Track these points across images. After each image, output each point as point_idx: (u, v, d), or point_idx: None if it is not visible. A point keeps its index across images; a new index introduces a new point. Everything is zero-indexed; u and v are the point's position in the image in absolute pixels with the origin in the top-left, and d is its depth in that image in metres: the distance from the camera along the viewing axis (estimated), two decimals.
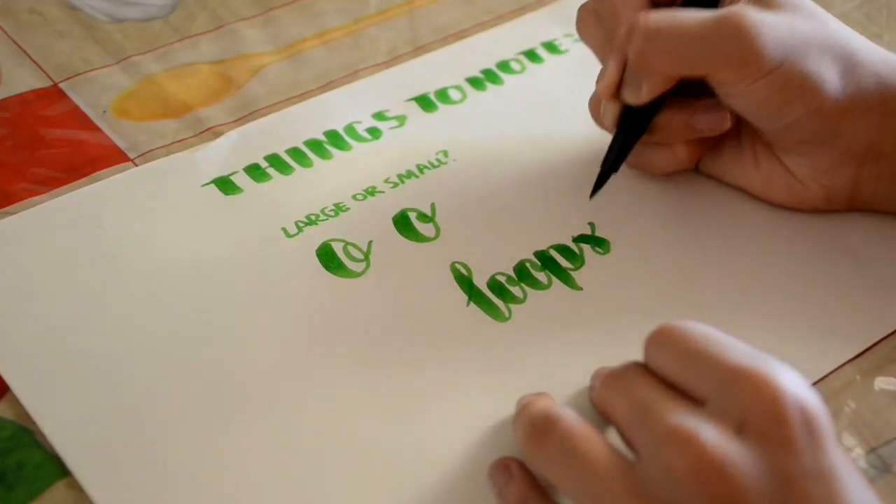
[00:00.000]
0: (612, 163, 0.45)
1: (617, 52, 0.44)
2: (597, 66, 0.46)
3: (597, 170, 0.46)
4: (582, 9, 0.47)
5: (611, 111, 0.45)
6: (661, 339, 0.34)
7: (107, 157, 0.50)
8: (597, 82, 0.46)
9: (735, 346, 0.33)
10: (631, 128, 0.45)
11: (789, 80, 0.42)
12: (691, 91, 0.44)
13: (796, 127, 0.44)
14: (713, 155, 0.48)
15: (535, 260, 0.46)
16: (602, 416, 0.35)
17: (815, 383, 0.41)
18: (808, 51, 0.42)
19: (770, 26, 0.41)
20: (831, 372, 0.42)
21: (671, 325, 0.34)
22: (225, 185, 0.48)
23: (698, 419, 0.31)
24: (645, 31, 0.42)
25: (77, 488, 0.37)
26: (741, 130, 0.47)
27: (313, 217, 0.47)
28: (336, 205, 0.48)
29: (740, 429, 0.31)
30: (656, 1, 0.44)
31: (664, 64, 0.42)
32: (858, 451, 0.39)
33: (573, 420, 0.33)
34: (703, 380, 0.32)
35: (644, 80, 0.43)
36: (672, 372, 0.33)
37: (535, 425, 0.34)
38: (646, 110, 0.44)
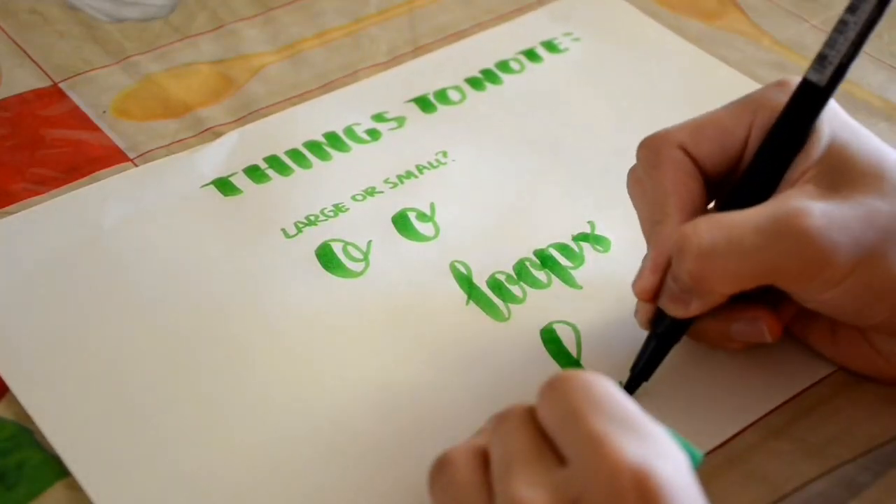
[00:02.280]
0: (644, 370, 0.40)
1: (658, 256, 0.39)
2: (597, 67, 0.46)
3: (596, 170, 0.45)
4: (631, 171, 0.41)
5: (644, 312, 0.40)
6: (551, 390, 0.32)
7: (107, 157, 0.50)
8: (634, 280, 0.40)
9: (616, 411, 0.31)
10: (666, 333, 0.40)
11: (869, 283, 0.36)
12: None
13: (882, 325, 0.38)
14: (797, 327, 0.42)
15: (535, 259, 0.46)
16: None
17: (811, 386, 0.41)
18: (890, 244, 0.36)
19: (839, 225, 0.35)
20: (830, 374, 0.42)
21: (565, 377, 0.32)
22: (224, 186, 0.48)
23: (541, 491, 0.30)
24: (699, 250, 0.36)
25: (77, 488, 0.37)
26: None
27: (312, 218, 0.47)
28: (335, 205, 0.48)
29: (575, 502, 0.30)
30: (712, 177, 0.39)
31: (723, 285, 0.36)
32: (854, 454, 0.39)
33: (463, 468, 0.32)
34: (569, 441, 0.31)
35: (695, 297, 0.38)
36: (550, 425, 0.32)
37: (433, 466, 0.34)
38: (684, 319, 0.39)
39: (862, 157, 0.37)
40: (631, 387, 0.40)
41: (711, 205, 0.40)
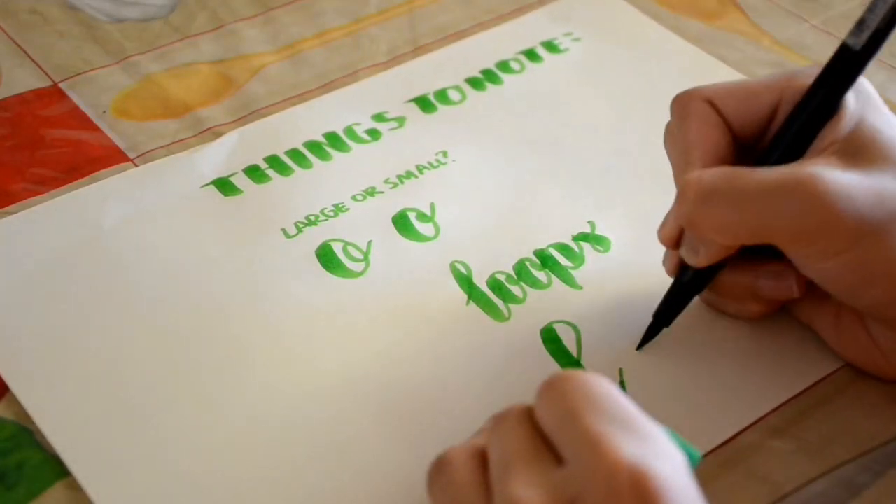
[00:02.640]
0: (664, 316, 0.41)
1: (676, 201, 0.39)
2: (597, 67, 0.46)
3: (596, 170, 0.45)
4: (667, 126, 0.42)
5: (671, 259, 0.41)
6: (549, 390, 0.32)
7: (107, 157, 0.50)
8: (659, 228, 0.41)
9: (614, 411, 0.31)
10: (690, 282, 0.41)
11: (868, 261, 0.36)
12: (760, 249, 0.38)
13: (879, 309, 0.38)
14: (801, 306, 0.42)
15: (535, 259, 0.46)
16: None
17: (810, 386, 0.41)
18: None
19: (852, 193, 0.35)
20: (829, 374, 0.42)
21: (563, 377, 0.32)
22: (224, 186, 0.48)
23: (539, 490, 0.30)
24: (697, 193, 0.37)
25: (77, 488, 0.37)
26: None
27: (313, 218, 0.47)
28: (335, 205, 0.48)
29: (572, 502, 0.30)
30: (739, 139, 0.40)
31: (717, 233, 0.37)
32: (854, 454, 0.39)
33: (462, 468, 0.33)
34: (567, 441, 0.31)
35: (700, 245, 0.38)
36: (548, 425, 0.32)
37: (432, 467, 0.34)
38: (707, 268, 0.40)
39: (886, 139, 0.37)
40: (652, 331, 0.41)
41: None
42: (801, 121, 0.38)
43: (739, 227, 0.37)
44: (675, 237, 0.40)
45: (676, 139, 0.41)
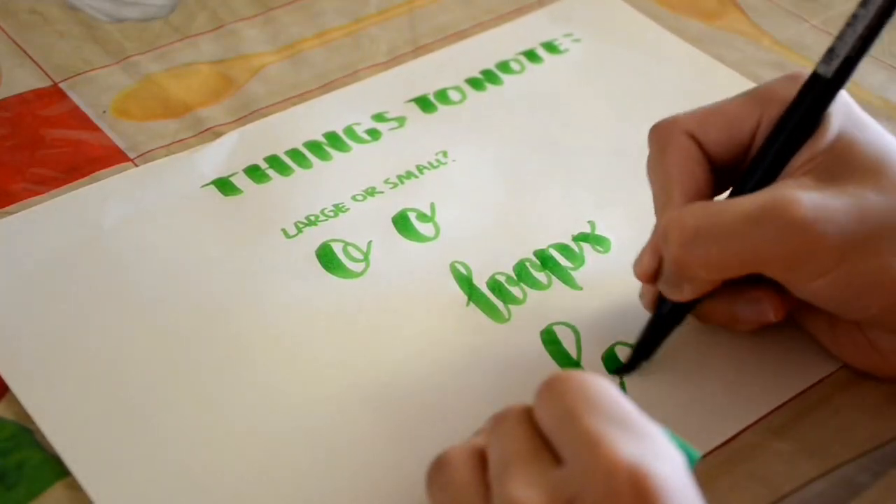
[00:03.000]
0: (645, 350, 0.41)
1: (656, 239, 0.39)
2: (597, 67, 0.46)
3: (596, 170, 0.45)
4: (648, 155, 0.41)
5: (647, 294, 0.41)
6: (548, 390, 0.32)
7: (107, 157, 0.50)
8: (635, 264, 0.40)
9: (613, 411, 0.31)
10: (669, 315, 0.40)
11: (858, 275, 0.36)
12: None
13: (873, 318, 0.39)
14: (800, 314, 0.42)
15: (535, 259, 0.46)
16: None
17: (811, 387, 0.41)
18: (881, 240, 0.36)
19: (830, 213, 0.35)
20: (829, 374, 0.42)
21: (562, 377, 0.32)
22: (224, 186, 0.48)
23: (537, 490, 0.30)
24: (681, 234, 0.37)
25: (77, 488, 0.37)
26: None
27: (313, 218, 0.47)
28: (335, 205, 0.48)
29: (571, 503, 0.30)
30: (719, 164, 0.39)
31: (706, 271, 0.37)
32: (854, 454, 0.39)
33: (461, 468, 0.33)
34: (566, 441, 0.31)
35: (685, 282, 0.38)
36: (547, 425, 0.32)
37: (430, 466, 0.34)
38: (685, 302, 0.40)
39: (865, 152, 0.37)
40: (631, 364, 0.41)
41: (726, 195, 0.40)
42: (775, 146, 0.38)
43: (727, 262, 0.37)
44: (652, 273, 0.39)
45: (657, 171, 0.40)
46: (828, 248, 0.36)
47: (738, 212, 0.36)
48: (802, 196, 0.36)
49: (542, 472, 0.31)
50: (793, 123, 0.38)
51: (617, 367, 0.41)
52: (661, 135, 0.40)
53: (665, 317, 0.40)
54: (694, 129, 0.39)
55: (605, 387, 0.32)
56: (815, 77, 0.38)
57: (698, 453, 0.33)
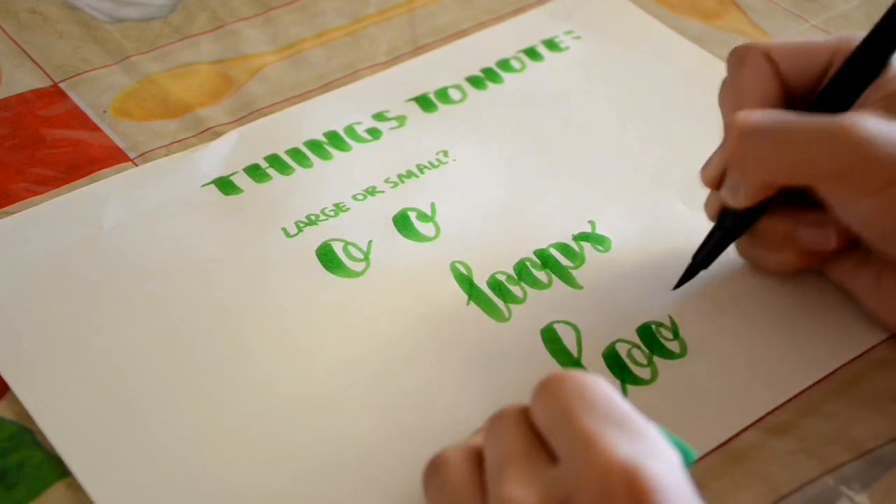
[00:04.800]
0: (703, 258, 0.43)
1: (723, 143, 0.41)
2: (598, 65, 0.46)
3: (597, 169, 0.45)
4: (723, 82, 0.43)
5: (712, 202, 0.42)
6: (545, 389, 0.32)
7: (107, 157, 0.50)
8: (703, 167, 0.42)
9: (608, 410, 0.31)
10: (730, 226, 0.42)
11: None
12: (801, 198, 0.40)
13: None
14: (835, 264, 0.43)
15: (536, 259, 0.46)
16: None
17: (814, 384, 0.41)
18: None
19: (887, 138, 0.37)
20: (832, 372, 0.42)
21: (558, 377, 0.32)
22: (225, 185, 0.48)
23: (532, 490, 0.30)
24: (742, 129, 0.38)
25: (77, 488, 0.37)
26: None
27: (313, 217, 0.47)
28: (336, 205, 0.48)
29: (566, 503, 0.30)
30: (790, 94, 0.41)
31: (758, 169, 0.39)
32: (858, 452, 0.39)
33: (457, 468, 0.33)
34: (561, 440, 0.31)
35: (741, 184, 0.40)
36: (543, 425, 0.32)
37: (427, 466, 0.34)
38: (746, 212, 0.41)
39: None
40: (690, 273, 0.43)
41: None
42: (848, 75, 0.40)
43: (778, 164, 0.38)
44: (716, 177, 0.41)
45: (730, 88, 0.42)
46: (880, 167, 0.37)
47: (801, 121, 0.38)
48: (868, 121, 0.37)
49: (537, 471, 0.31)
50: (869, 52, 0.39)
51: (678, 281, 0.43)
52: (738, 55, 0.42)
53: (726, 228, 0.42)
54: (771, 51, 0.41)
55: (601, 386, 0.32)
56: (894, 8, 0.38)
57: (695, 453, 0.32)
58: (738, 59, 0.42)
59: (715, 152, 0.42)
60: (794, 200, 0.40)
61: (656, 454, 0.30)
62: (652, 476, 0.29)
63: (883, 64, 0.39)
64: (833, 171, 0.37)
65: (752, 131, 0.38)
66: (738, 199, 0.40)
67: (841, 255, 0.43)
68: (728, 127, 0.40)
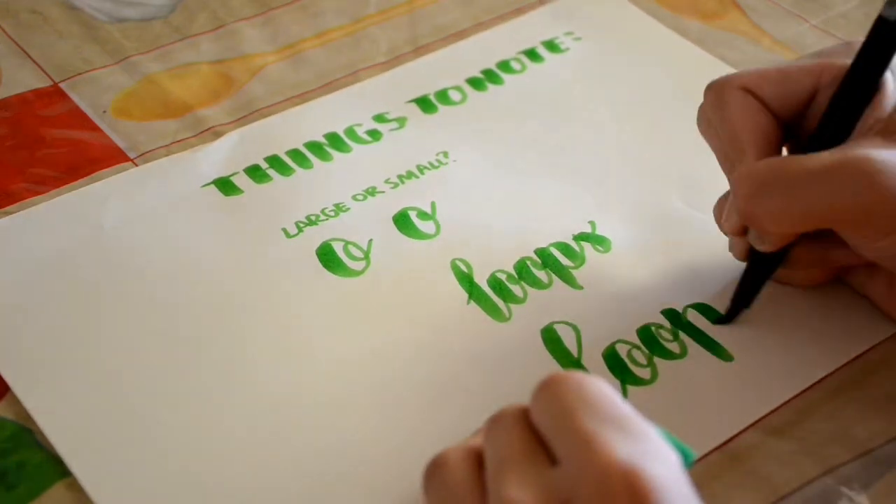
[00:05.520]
0: (744, 298, 0.42)
1: (732, 195, 0.40)
2: (598, 66, 0.46)
3: (597, 170, 0.45)
4: (701, 110, 0.43)
5: (738, 245, 0.42)
6: (545, 389, 0.32)
7: (107, 157, 0.50)
8: (723, 219, 0.42)
9: (608, 411, 0.31)
10: (763, 264, 0.42)
11: None
12: None
13: None
14: (855, 275, 0.44)
15: (536, 258, 0.46)
16: None
17: (814, 384, 0.41)
18: None
19: (894, 170, 0.36)
20: (832, 373, 0.42)
21: (558, 378, 0.32)
22: (225, 185, 0.48)
23: (532, 491, 0.30)
24: (748, 187, 0.38)
25: (77, 488, 0.37)
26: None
27: (313, 217, 0.47)
28: (336, 205, 0.48)
29: (566, 503, 0.30)
30: (782, 119, 0.41)
31: (772, 224, 0.38)
32: (858, 452, 0.39)
33: (457, 469, 0.33)
34: (561, 441, 0.31)
35: (763, 234, 0.40)
36: (542, 425, 0.32)
37: (427, 467, 0.34)
38: (778, 251, 0.41)
39: None
40: (731, 314, 0.43)
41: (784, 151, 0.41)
42: (845, 101, 0.38)
43: (794, 216, 0.38)
44: (740, 228, 0.41)
45: (717, 129, 0.41)
46: (894, 206, 0.36)
47: (808, 166, 0.37)
48: (874, 153, 0.36)
49: (537, 472, 0.31)
50: (861, 73, 0.38)
51: (718, 318, 0.43)
52: (716, 93, 0.41)
53: (759, 265, 0.42)
54: (749, 84, 0.40)
55: (601, 387, 0.32)
56: (880, 21, 0.37)
57: (694, 454, 0.32)
58: (716, 98, 0.41)
59: (730, 202, 0.41)
60: None
61: (656, 455, 0.30)
62: (652, 477, 0.29)
63: (876, 83, 0.38)
64: (850, 212, 0.37)
65: (759, 187, 0.38)
66: (765, 247, 0.40)
67: (872, 275, 0.43)
68: (734, 183, 0.39)
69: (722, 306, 0.43)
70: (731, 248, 0.43)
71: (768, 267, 0.42)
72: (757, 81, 0.40)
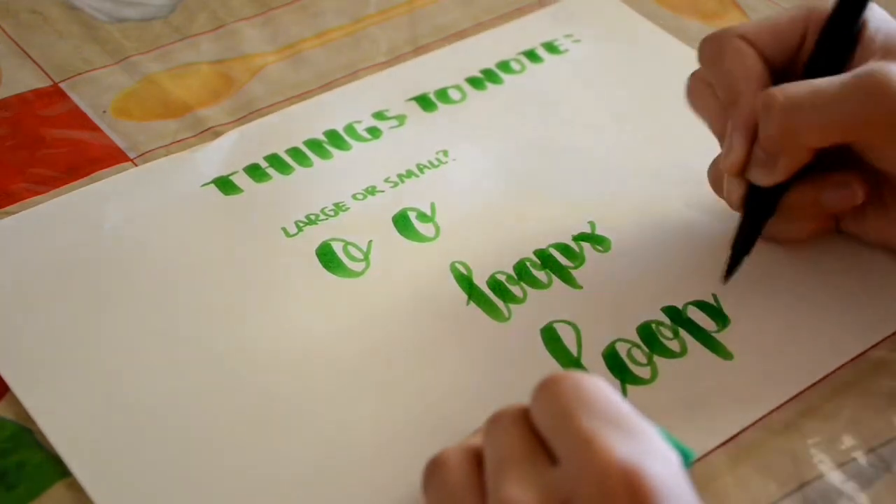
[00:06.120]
0: (743, 246, 0.43)
1: (742, 128, 0.41)
2: (597, 68, 0.46)
3: (596, 170, 0.45)
4: (693, 77, 0.45)
5: (737, 190, 0.43)
6: (544, 389, 0.32)
7: (107, 157, 0.50)
8: (722, 159, 0.43)
9: (607, 410, 0.31)
10: (760, 208, 0.43)
11: None
12: (818, 165, 0.41)
13: None
14: (854, 214, 0.45)
15: (535, 259, 0.46)
16: None
17: (815, 384, 0.41)
18: None
19: None
20: (833, 371, 0.42)
21: (557, 378, 0.32)
22: (225, 185, 0.48)
23: (531, 491, 0.30)
24: (784, 104, 0.39)
25: (77, 488, 0.37)
26: (883, 188, 0.43)
27: (313, 217, 0.47)
28: (336, 204, 0.48)
29: (566, 502, 0.30)
30: (774, 68, 0.42)
31: (812, 136, 0.40)
32: (859, 451, 0.39)
33: (456, 469, 0.33)
34: (560, 441, 0.31)
35: (781, 156, 0.41)
36: (542, 425, 0.32)
37: (426, 467, 0.34)
38: (775, 189, 0.42)
39: None
40: (733, 263, 0.43)
41: None
42: (838, 31, 0.41)
43: (830, 128, 0.39)
44: (743, 162, 0.42)
45: (714, 77, 0.43)
46: None
47: (834, 83, 0.39)
48: (889, 65, 0.39)
49: (536, 472, 0.31)
50: (849, 6, 0.41)
51: (723, 274, 0.43)
52: (714, 43, 0.43)
53: (756, 210, 0.43)
54: (748, 34, 0.42)
55: (600, 387, 0.32)
56: None
57: (694, 453, 0.33)
58: (716, 48, 0.43)
59: (731, 139, 0.42)
60: (812, 169, 0.41)
61: (655, 454, 0.30)
62: (651, 476, 0.29)
63: (861, 14, 0.41)
64: (879, 121, 0.39)
65: (797, 103, 0.39)
66: (776, 173, 0.41)
67: (862, 212, 0.44)
68: (765, 105, 0.40)
69: (723, 303, 0.44)
70: (727, 195, 0.44)
71: (765, 211, 0.43)
72: (753, 33, 0.42)
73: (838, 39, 0.41)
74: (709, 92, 0.44)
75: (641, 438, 0.31)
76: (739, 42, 0.42)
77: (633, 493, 0.29)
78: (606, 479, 0.29)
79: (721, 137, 0.44)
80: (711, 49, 0.43)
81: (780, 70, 0.42)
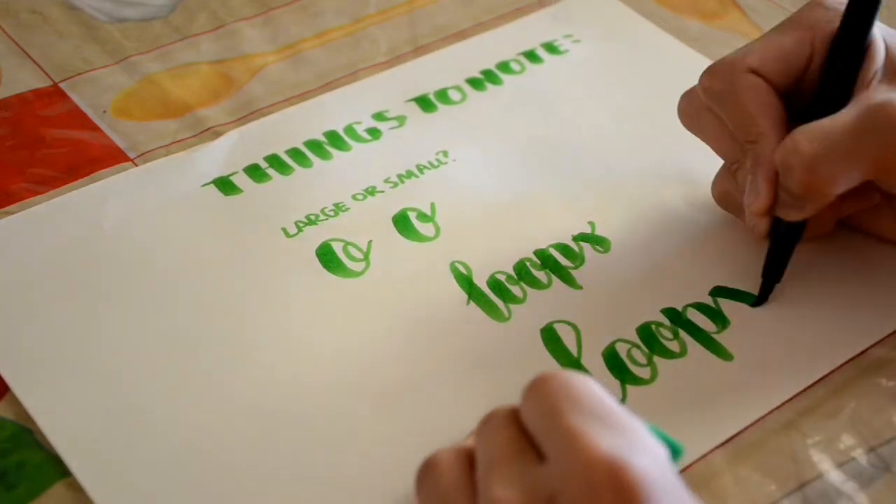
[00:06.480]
0: (775, 273, 0.43)
1: (767, 172, 0.41)
2: (597, 68, 0.46)
3: (596, 170, 0.45)
4: (688, 99, 0.45)
5: (762, 225, 0.42)
6: (533, 389, 0.32)
7: (107, 157, 0.50)
8: (747, 201, 0.42)
9: (594, 408, 0.31)
10: (788, 236, 0.43)
11: None
12: None
13: None
14: (869, 213, 0.45)
15: (535, 259, 0.46)
16: None
17: (814, 383, 0.41)
18: None
19: None
20: (833, 371, 0.42)
21: (546, 377, 0.32)
22: (225, 185, 0.48)
23: (517, 488, 0.30)
24: (804, 162, 0.39)
25: (77, 488, 0.37)
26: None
27: (313, 217, 0.47)
28: (336, 204, 0.48)
29: (552, 500, 0.30)
30: (783, 92, 0.42)
31: (833, 187, 0.39)
32: (859, 451, 0.39)
33: (448, 470, 0.33)
34: (548, 438, 0.31)
35: (807, 202, 0.40)
36: (531, 424, 0.32)
37: (419, 469, 0.34)
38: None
39: None
40: (765, 291, 0.44)
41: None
42: (842, 60, 0.41)
43: (851, 175, 0.39)
44: (770, 205, 0.41)
45: (727, 112, 0.42)
46: None
47: (843, 127, 0.39)
48: (891, 96, 0.39)
49: (524, 470, 0.31)
50: (853, 35, 0.40)
51: (754, 300, 0.44)
52: (723, 77, 0.42)
53: (785, 238, 0.43)
54: (757, 67, 0.42)
55: (587, 384, 0.32)
56: None
57: (683, 447, 0.33)
58: (726, 83, 0.42)
59: (756, 184, 0.41)
60: None
61: (640, 448, 0.30)
62: (636, 469, 0.29)
63: (866, 36, 0.40)
64: (891, 157, 0.39)
65: (816, 160, 0.39)
66: (805, 213, 0.41)
67: (878, 210, 0.44)
68: (783, 162, 0.40)
69: (723, 304, 0.44)
70: (751, 227, 0.43)
71: (794, 236, 0.43)
72: (762, 61, 0.42)
73: (848, 60, 0.41)
74: (709, 116, 0.43)
75: (627, 433, 0.31)
76: (752, 78, 0.42)
77: (618, 487, 0.29)
78: (592, 473, 0.29)
79: (726, 160, 0.44)
80: (721, 85, 0.42)
81: (789, 92, 0.42)
